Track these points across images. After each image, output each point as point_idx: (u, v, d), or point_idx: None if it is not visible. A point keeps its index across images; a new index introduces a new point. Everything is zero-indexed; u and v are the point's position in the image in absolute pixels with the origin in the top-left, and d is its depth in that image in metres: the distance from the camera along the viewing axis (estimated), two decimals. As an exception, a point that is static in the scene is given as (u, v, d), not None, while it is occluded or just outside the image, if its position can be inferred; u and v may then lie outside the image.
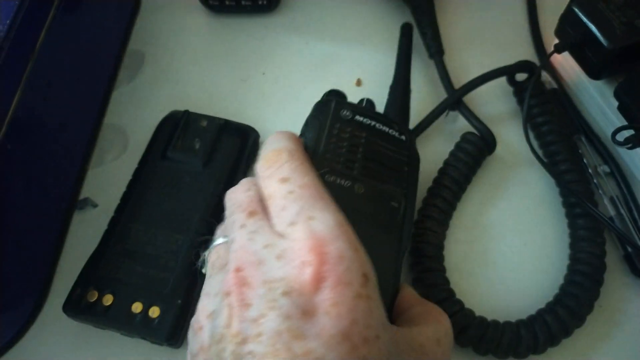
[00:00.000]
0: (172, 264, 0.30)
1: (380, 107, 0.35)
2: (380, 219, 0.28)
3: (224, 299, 0.21)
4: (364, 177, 0.28)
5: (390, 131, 0.31)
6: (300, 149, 0.26)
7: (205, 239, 0.30)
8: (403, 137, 0.31)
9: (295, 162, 0.24)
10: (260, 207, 0.23)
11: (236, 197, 0.25)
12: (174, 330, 0.29)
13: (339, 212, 0.23)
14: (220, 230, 0.26)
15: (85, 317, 0.30)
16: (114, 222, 0.32)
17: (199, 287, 0.30)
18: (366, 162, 0.29)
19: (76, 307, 0.30)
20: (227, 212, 0.25)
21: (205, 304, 0.22)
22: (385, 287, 0.26)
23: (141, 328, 0.29)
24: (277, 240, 0.21)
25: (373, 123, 0.31)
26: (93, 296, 0.29)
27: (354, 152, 0.29)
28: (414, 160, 0.31)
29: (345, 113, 0.30)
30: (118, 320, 0.29)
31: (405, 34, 0.38)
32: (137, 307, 0.29)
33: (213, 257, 0.25)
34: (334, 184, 0.28)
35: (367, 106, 0.34)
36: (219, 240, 0.25)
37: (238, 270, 0.21)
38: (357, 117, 0.30)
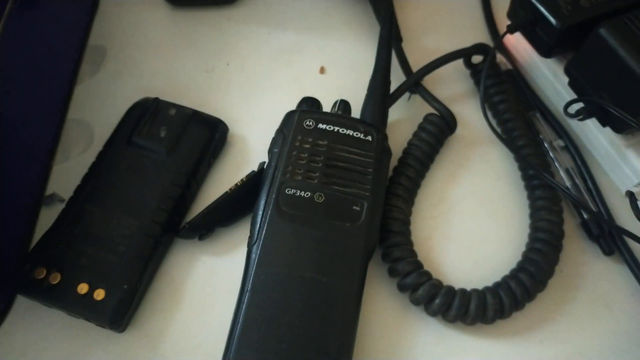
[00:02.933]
0: (122, 248, 0.30)
1: (358, 97, 0.36)
2: (341, 225, 0.29)
3: None
4: (325, 185, 0.30)
5: (355, 134, 0.32)
6: None
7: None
8: (369, 138, 0.32)
9: None
10: None
11: None
12: (117, 313, 0.29)
13: None
14: None
15: (31, 294, 0.29)
16: (71, 203, 0.32)
17: (147, 273, 0.31)
18: (327, 170, 0.31)
19: (23, 283, 0.29)
20: None
21: None
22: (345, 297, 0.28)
23: (84, 309, 0.29)
24: None
25: (336, 129, 0.32)
26: (41, 273, 0.29)
27: (315, 162, 0.31)
28: (383, 157, 0.32)
29: (308, 123, 0.32)
30: (63, 299, 0.29)
31: (386, 25, 0.38)
32: (82, 288, 0.29)
33: None
34: (294, 196, 0.30)
35: (339, 108, 0.35)
36: None
37: None
38: (320, 125, 0.32)
